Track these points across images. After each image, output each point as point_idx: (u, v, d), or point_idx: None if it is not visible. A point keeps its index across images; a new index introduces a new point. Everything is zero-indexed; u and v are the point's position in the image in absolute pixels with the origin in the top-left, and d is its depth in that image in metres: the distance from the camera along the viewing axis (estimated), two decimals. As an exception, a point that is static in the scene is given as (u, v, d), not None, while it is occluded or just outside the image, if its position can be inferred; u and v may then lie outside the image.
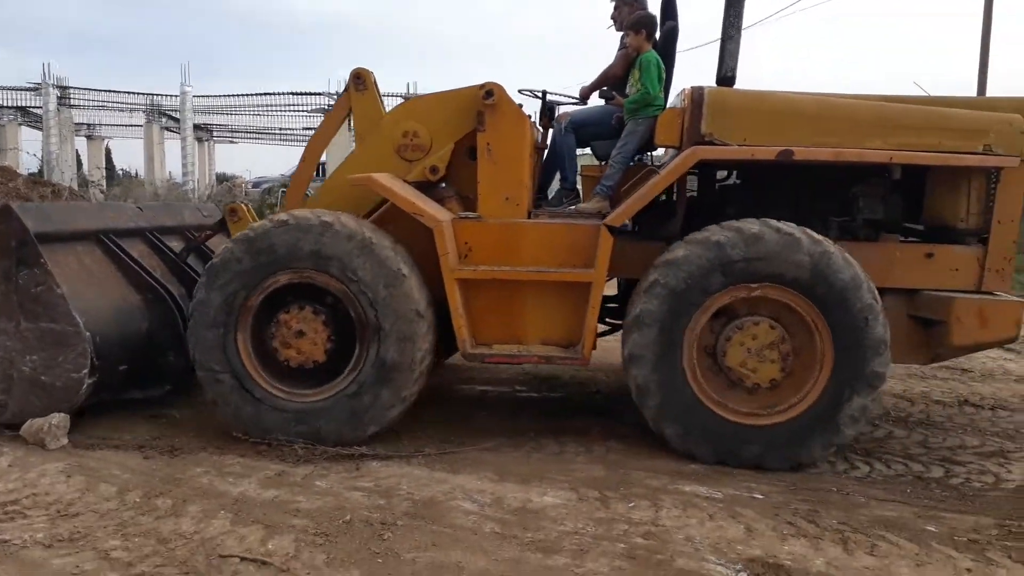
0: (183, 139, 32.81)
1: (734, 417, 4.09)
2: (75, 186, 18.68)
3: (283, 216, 4.28)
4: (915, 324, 4.42)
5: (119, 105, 33.34)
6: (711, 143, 4.21)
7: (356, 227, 4.21)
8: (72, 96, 32.14)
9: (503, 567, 2.98)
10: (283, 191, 18.39)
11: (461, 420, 4.87)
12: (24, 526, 3.21)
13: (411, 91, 28.56)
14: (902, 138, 4.19)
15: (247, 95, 33.42)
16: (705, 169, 4.91)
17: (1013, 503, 3.72)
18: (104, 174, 27.78)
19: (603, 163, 5.09)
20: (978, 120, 4.21)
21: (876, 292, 3.99)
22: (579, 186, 5.31)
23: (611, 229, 4.30)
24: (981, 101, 4.37)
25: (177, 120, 33.31)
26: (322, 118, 5.32)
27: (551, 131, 5.41)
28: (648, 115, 4.70)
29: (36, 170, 27.21)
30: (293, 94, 32.45)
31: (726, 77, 4.48)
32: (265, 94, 33.05)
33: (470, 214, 4.57)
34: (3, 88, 31.81)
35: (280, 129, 35.24)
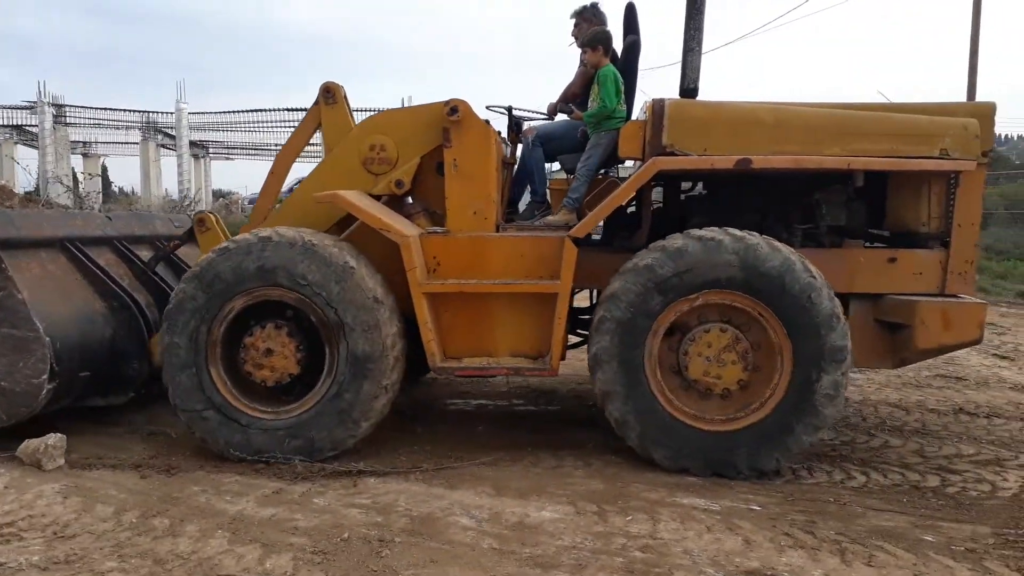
0: (179, 156, 32.87)
1: (714, 427, 4.13)
2: (71, 203, 18.68)
3: (223, 244, 4.34)
4: (881, 328, 4.47)
5: (115, 123, 33.43)
6: (672, 154, 4.25)
7: (295, 234, 4.26)
8: (68, 114, 32.18)
9: (501, 583, 2.98)
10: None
11: (458, 435, 4.88)
12: (20, 548, 3.20)
13: (405, 106, 28.56)
14: (860, 144, 4.25)
15: (242, 111, 33.55)
16: (670, 180, 4.96)
17: (1010, 512, 3.73)
18: (99, 184, 27.75)
19: (571, 176, 5.14)
20: (934, 125, 4.27)
21: (813, 270, 4.01)
22: (549, 198, 5.38)
23: (576, 241, 4.34)
24: (936, 107, 4.42)
25: (173, 137, 33.39)
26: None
27: (520, 146, 5.49)
28: (610, 128, 4.77)
29: (32, 188, 27.21)
30: (288, 110, 32.56)
31: (689, 89, 4.54)
32: (260, 110, 33.19)
33: (438, 229, 4.61)
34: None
35: (276, 145, 35.25)
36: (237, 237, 4.40)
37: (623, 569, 3.07)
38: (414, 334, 4.44)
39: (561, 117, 5.56)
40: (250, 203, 30.24)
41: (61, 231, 4.94)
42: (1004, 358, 7.62)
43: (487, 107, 5.27)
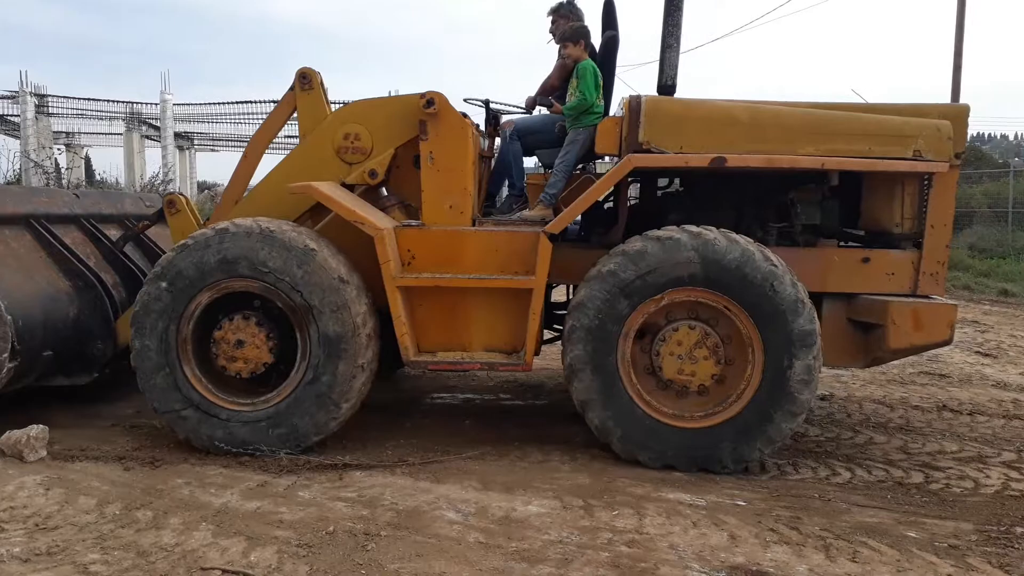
0: (163, 147, 32.58)
1: (695, 423, 4.14)
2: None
3: (181, 242, 4.31)
4: (854, 328, 4.50)
5: (98, 113, 33.09)
6: (648, 151, 4.26)
7: (251, 223, 4.25)
8: (50, 104, 31.83)
9: (487, 577, 2.97)
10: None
11: (445, 429, 4.87)
12: (1, 540, 3.16)
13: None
14: (835, 144, 4.27)
15: (228, 103, 33.23)
16: (647, 176, 4.96)
17: (992, 508, 3.77)
18: (82, 174, 27.45)
19: (548, 171, 5.13)
20: (907, 126, 4.29)
21: (773, 258, 4.04)
22: (527, 192, 5.38)
23: (551, 236, 4.34)
24: (910, 108, 4.44)
25: (157, 128, 33.10)
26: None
27: (498, 139, 5.47)
28: (588, 123, 4.77)
29: (14, 179, 26.89)
30: (274, 102, 32.17)
31: (666, 86, 4.55)
32: (246, 102, 32.83)
33: (412, 222, 4.59)
34: (-21, 96, 31.48)
35: (262, 137, 35.06)
36: (195, 232, 4.37)
37: (609, 564, 3.08)
38: (389, 328, 4.41)
39: (540, 110, 5.54)
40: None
41: (26, 208, 4.88)
42: (987, 356, 7.69)
43: (464, 100, 5.25)
